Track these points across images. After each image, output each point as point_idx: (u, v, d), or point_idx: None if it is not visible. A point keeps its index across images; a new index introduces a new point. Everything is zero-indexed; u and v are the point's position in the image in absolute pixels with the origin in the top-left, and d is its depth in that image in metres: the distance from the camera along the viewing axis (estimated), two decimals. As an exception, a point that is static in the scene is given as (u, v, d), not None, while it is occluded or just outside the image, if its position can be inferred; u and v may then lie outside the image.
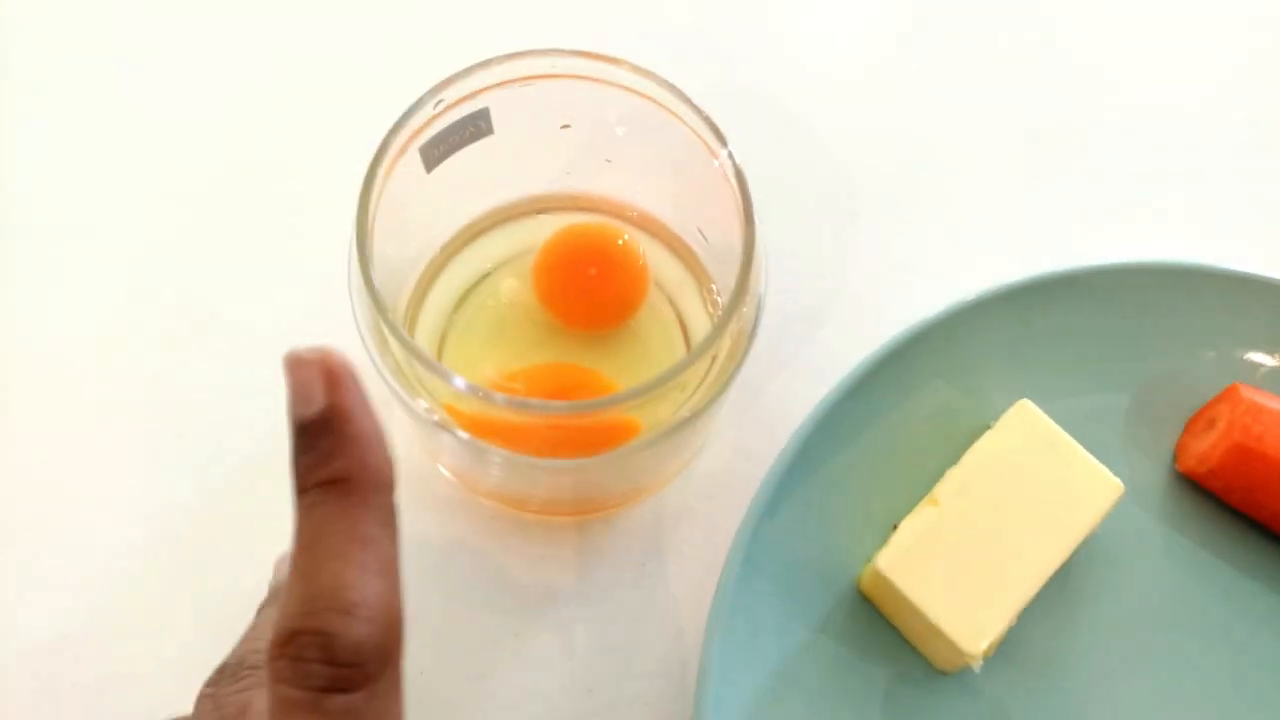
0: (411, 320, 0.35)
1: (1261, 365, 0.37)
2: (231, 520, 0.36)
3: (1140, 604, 0.35)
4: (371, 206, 0.27)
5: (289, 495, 0.21)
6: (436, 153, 0.31)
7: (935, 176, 0.43)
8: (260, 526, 0.30)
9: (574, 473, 0.31)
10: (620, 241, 0.36)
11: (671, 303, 0.36)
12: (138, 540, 0.35)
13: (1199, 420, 0.36)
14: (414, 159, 0.30)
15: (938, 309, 0.36)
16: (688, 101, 0.28)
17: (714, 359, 0.30)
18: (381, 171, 0.27)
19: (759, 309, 0.29)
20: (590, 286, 0.36)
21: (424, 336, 0.35)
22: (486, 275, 0.36)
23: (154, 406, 0.37)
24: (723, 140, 0.28)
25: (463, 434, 0.28)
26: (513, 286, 0.36)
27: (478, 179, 0.33)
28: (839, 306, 0.40)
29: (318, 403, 0.20)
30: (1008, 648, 0.34)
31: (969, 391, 0.36)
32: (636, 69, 0.29)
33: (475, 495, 0.35)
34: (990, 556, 0.32)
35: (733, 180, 0.28)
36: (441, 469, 0.35)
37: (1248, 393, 0.35)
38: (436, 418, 0.29)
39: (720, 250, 0.33)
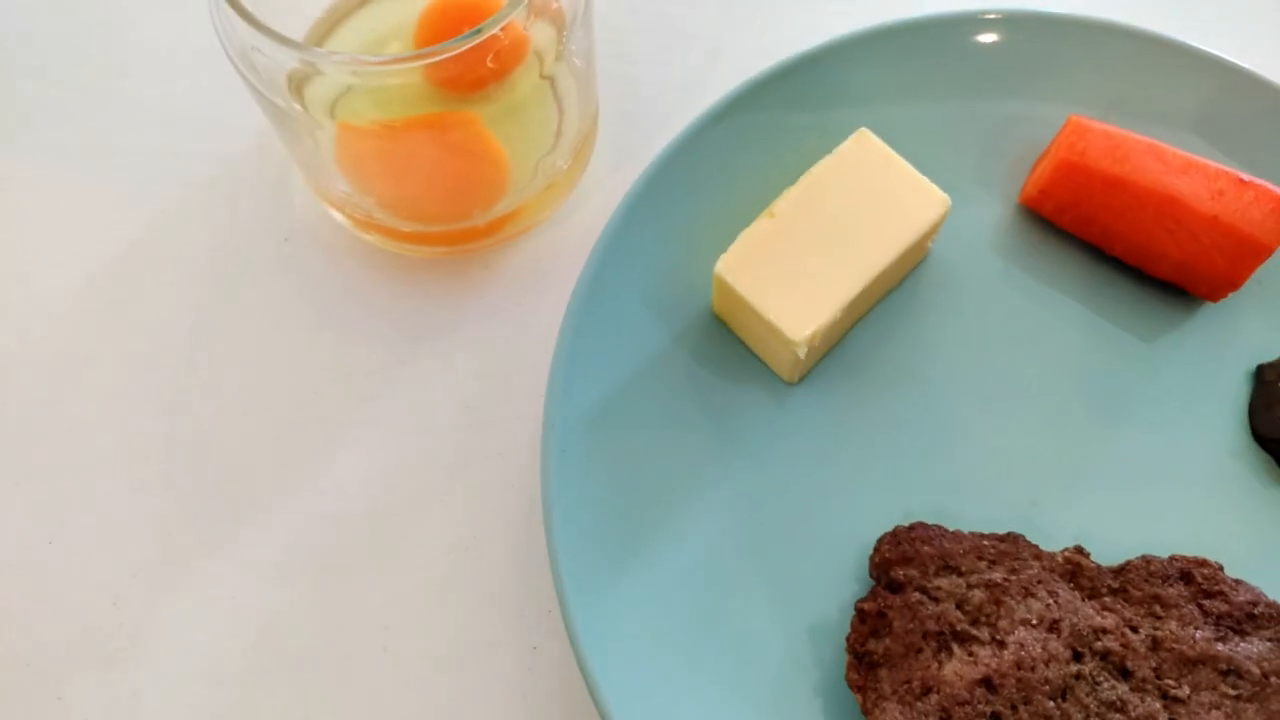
0: (298, 91, 0.38)
1: (1105, 106, 0.39)
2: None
3: (976, 323, 0.37)
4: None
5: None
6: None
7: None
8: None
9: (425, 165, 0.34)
10: (494, 8, 0.39)
11: (540, 61, 0.39)
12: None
13: (1042, 157, 0.39)
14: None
15: (793, 52, 0.38)
16: None
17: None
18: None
19: (582, 5, 0.33)
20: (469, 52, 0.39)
21: (313, 99, 0.38)
22: (374, 43, 0.39)
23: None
24: None
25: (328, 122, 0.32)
26: (396, 51, 0.39)
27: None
28: (716, 73, 0.43)
29: None
30: (848, 362, 0.37)
31: (820, 129, 0.39)
32: None
33: (365, 234, 0.38)
34: (820, 260, 0.35)
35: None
36: (332, 212, 0.38)
37: (1079, 119, 0.37)
38: (301, 109, 0.32)
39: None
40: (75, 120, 0.41)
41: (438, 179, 0.37)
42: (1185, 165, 0.35)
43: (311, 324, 0.38)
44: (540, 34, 0.34)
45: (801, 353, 0.34)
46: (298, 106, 0.33)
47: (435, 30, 0.39)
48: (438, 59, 0.31)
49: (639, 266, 0.37)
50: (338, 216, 0.38)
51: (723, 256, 0.35)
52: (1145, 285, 0.38)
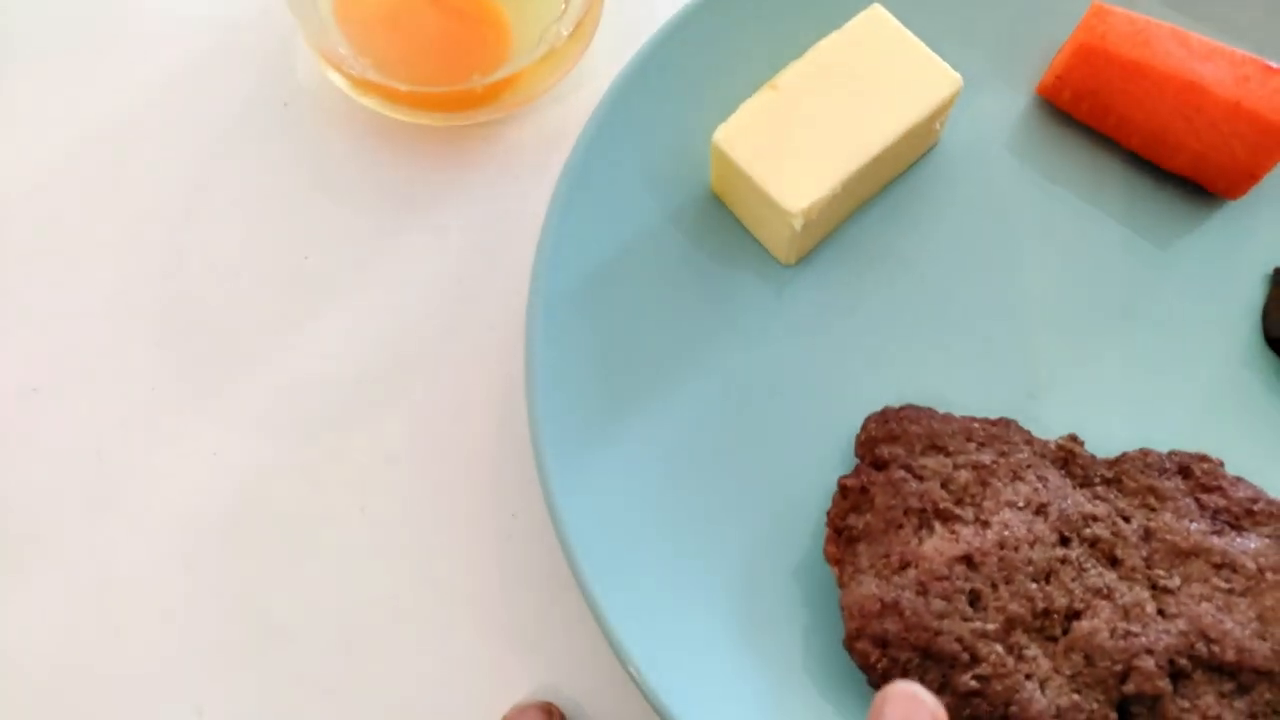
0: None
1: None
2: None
3: (983, 214, 0.36)
4: None
5: None
6: None
7: None
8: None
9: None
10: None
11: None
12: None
13: (1063, 49, 0.37)
14: None
15: (801, -70, 0.37)
16: None
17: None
18: None
19: None
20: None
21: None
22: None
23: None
24: None
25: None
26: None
27: None
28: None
29: None
30: (849, 245, 0.36)
31: (833, 5, 0.37)
32: None
33: (359, 96, 0.38)
34: (822, 134, 0.34)
35: None
36: (331, 75, 0.38)
37: (1101, 3, 0.36)
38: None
39: None
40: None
41: (436, 38, 0.36)
42: (1209, 51, 0.34)
43: (307, 189, 0.38)
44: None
45: (798, 225, 0.33)
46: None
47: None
48: None
49: (636, 140, 0.36)
50: (336, 79, 0.38)
51: (722, 126, 0.34)
52: (1162, 182, 0.36)
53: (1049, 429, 0.33)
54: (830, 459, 0.33)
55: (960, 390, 0.34)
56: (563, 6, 0.37)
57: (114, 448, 0.35)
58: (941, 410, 0.33)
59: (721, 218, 0.36)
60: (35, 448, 0.35)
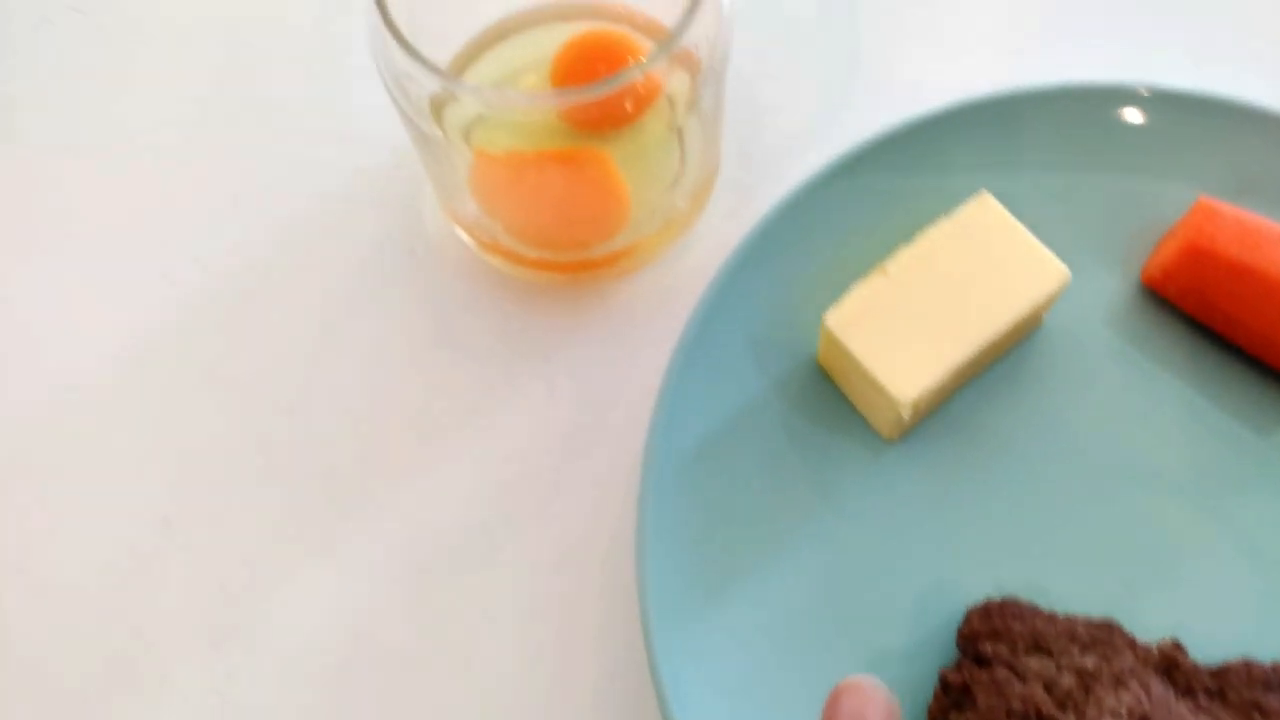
0: (437, 114, 0.40)
1: (1236, 189, 0.38)
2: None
3: (1085, 398, 0.37)
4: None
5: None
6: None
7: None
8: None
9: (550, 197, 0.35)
10: (632, 49, 0.40)
11: (672, 106, 0.40)
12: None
13: (1168, 236, 0.38)
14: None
15: (918, 112, 0.39)
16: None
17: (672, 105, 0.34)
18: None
19: (719, 57, 0.33)
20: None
21: (451, 124, 0.40)
22: (511, 75, 0.41)
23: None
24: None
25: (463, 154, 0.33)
26: (533, 84, 0.41)
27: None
28: (842, 120, 0.43)
29: None
30: (950, 423, 0.37)
31: (942, 191, 0.39)
32: None
33: (488, 256, 0.40)
34: (930, 321, 0.35)
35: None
36: (459, 232, 0.40)
37: (1209, 201, 0.36)
38: (441, 133, 0.33)
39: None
40: (216, 119, 0.44)
41: (563, 210, 0.38)
42: (1321, 258, 0.34)
43: (429, 337, 0.40)
44: (676, 82, 0.35)
45: (906, 414, 0.34)
46: (439, 131, 0.34)
47: (571, 67, 0.40)
48: (576, 101, 0.32)
49: (748, 312, 0.37)
50: (464, 236, 0.40)
51: (833, 309, 0.35)
52: (1269, 378, 0.36)
53: (1149, 626, 0.33)
54: (928, 644, 0.34)
55: (1059, 581, 0.34)
56: (677, 180, 0.39)
57: (237, 584, 0.37)
58: (1041, 600, 0.34)
59: (825, 389, 0.37)
60: (164, 580, 0.37)
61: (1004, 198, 0.37)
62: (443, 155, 0.36)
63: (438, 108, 0.35)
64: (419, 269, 0.41)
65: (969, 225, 0.36)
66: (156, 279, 0.41)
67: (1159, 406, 0.37)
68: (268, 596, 0.37)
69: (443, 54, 0.40)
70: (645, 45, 0.40)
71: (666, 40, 0.32)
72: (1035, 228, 0.36)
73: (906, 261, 0.36)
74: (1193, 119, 0.38)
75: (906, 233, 0.37)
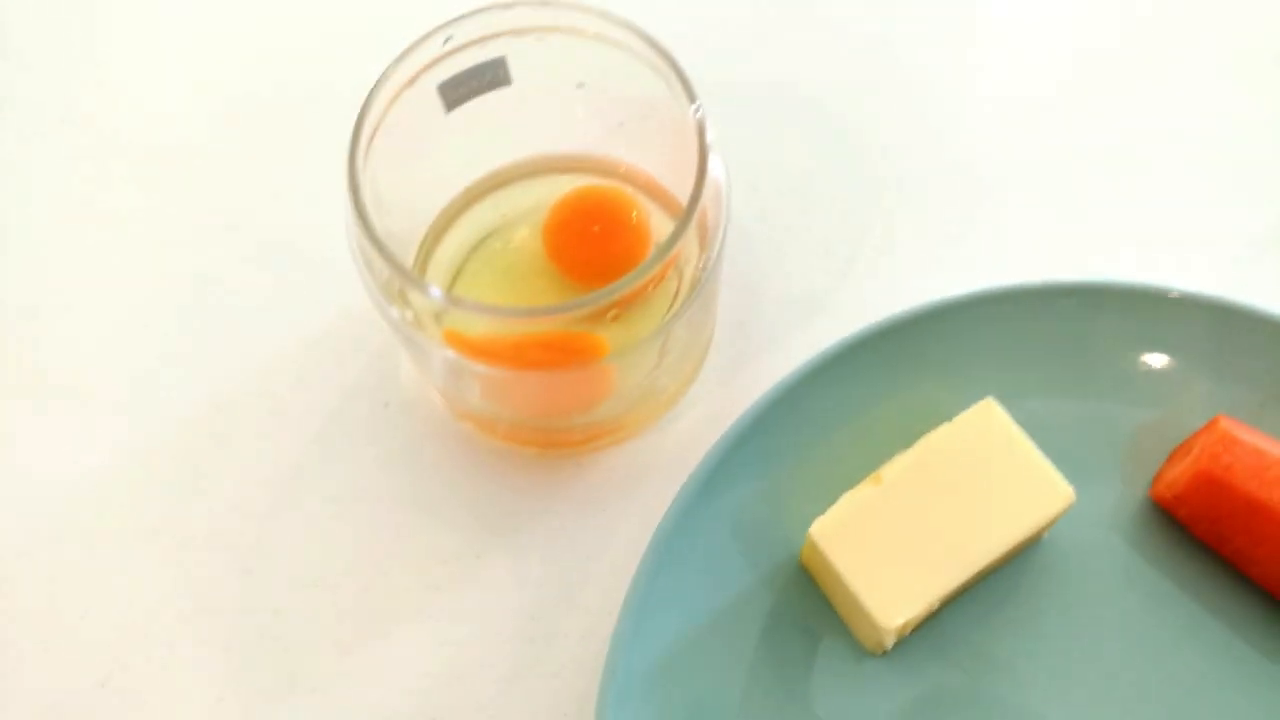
0: (425, 257, 0.38)
1: (1259, 402, 0.36)
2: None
3: (1085, 621, 0.35)
4: (369, 126, 0.30)
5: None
6: (455, 94, 0.34)
7: (959, 179, 0.43)
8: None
9: (526, 383, 0.33)
10: (626, 205, 0.38)
11: (679, 281, 0.38)
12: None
13: (1181, 450, 0.36)
14: (431, 95, 0.33)
15: (921, 303, 0.37)
16: (672, 64, 0.31)
17: (675, 296, 0.32)
18: (382, 97, 0.30)
19: (717, 250, 0.31)
20: (594, 244, 0.38)
21: (437, 273, 0.38)
22: (504, 225, 0.39)
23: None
24: (691, 97, 0.30)
25: (430, 341, 0.31)
26: (524, 237, 0.39)
27: (498, 129, 0.36)
28: (843, 293, 0.41)
29: None
30: (939, 640, 0.34)
31: (945, 388, 0.37)
32: (642, 35, 0.31)
33: (460, 421, 0.38)
34: (923, 540, 0.33)
35: (694, 134, 0.30)
36: (432, 395, 0.38)
37: (1227, 424, 0.34)
38: (411, 324, 0.31)
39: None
40: (193, 255, 0.42)
41: (539, 376, 0.36)
42: (1344, 502, 0.32)
43: (393, 499, 0.38)
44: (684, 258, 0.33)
45: (889, 641, 0.32)
46: (404, 314, 0.32)
47: (566, 223, 0.38)
48: (578, 311, 0.30)
49: (729, 509, 0.35)
50: (436, 398, 0.38)
51: (820, 519, 0.33)
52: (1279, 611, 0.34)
53: None
54: None
55: (1047, 828, 0.32)
56: (661, 350, 0.37)
57: (170, 758, 0.35)
58: None
59: (807, 591, 0.35)
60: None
61: (1010, 398, 0.35)
62: (417, 349, 0.34)
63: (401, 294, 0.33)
64: (390, 424, 0.39)
65: (971, 434, 0.34)
66: (114, 418, 0.39)
67: (1164, 630, 0.34)
68: (199, 778, 0.34)
69: (437, 200, 0.38)
70: (641, 202, 0.38)
71: (685, 215, 0.30)
72: (1040, 431, 0.34)
73: (902, 470, 0.34)
74: (1215, 325, 0.36)
75: (906, 431, 0.35)
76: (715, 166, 0.31)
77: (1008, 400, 0.35)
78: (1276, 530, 0.32)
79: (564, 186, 0.39)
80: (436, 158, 0.36)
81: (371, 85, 0.30)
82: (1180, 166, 0.43)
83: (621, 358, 0.33)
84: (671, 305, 0.34)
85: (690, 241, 0.32)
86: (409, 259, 0.37)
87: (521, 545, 0.37)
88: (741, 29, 0.46)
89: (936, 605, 0.33)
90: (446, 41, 0.31)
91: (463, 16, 0.31)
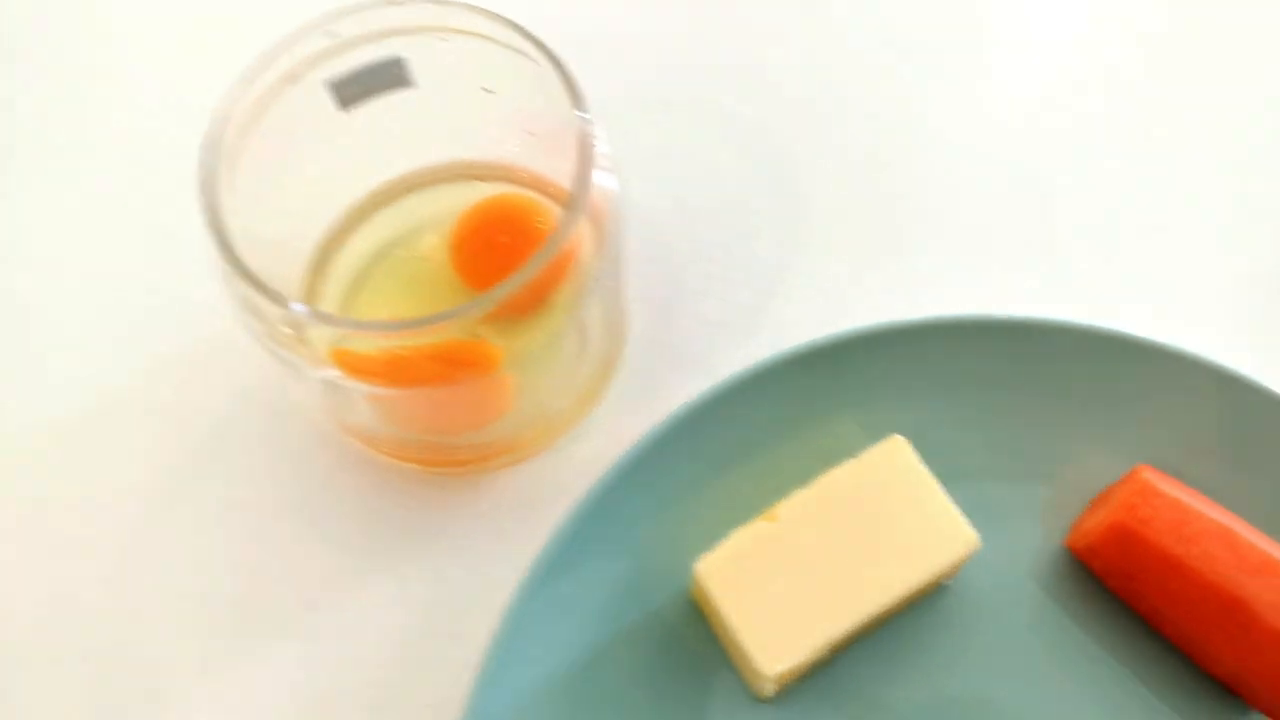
0: (322, 265, 0.37)
1: (1184, 452, 0.34)
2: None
3: (988, 672, 0.33)
4: (234, 120, 0.28)
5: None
6: (350, 93, 0.32)
7: (892, 204, 0.42)
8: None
9: (414, 399, 0.32)
10: (535, 215, 0.37)
11: (578, 280, 0.37)
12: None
13: (1100, 499, 0.34)
14: (319, 93, 0.31)
15: (834, 332, 0.35)
16: (560, 70, 0.29)
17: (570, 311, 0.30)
18: (251, 92, 0.29)
19: (612, 258, 0.30)
20: (501, 255, 0.37)
21: (335, 283, 0.37)
22: (410, 233, 0.37)
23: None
24: (577, 105, 0.29)
25: (299, 358, 0.30)
26: (432, 245, 0.37)
27: (403, 132, 0.35)
28: (766, 317, 0.39)
29: None
30: (834, 687, 0.32)
31: (858, 423, 0.35)
32: (534, 40, 0.30)
33: (344, 435, 0.36)
34: (815, 582, 0.31)
35: (578, 139, 0.28)
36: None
37: (1148, 475, 0.32)
38: (275, 339, 0.30)
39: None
40: (85, 249, 0.41)
41: (431, 408, 0.34)
42: (1262, 563, 0.30)
43: (278, 508, 0.36)
44: (583, 255, 0.32)
45: (770, 689, 0.30)
46: (295, 353, 0.30)
47: (473, 229, 0.37)
48: (462, 316, 0.28)
49: (618, 540, 0.33)
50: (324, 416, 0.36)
51: (707, 556, 0.31)
52: (1200, 673, 0.32)
53: None
54: None
55: None
56: (574, 373, 0.35)
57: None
58: None
59: (699, 631, 0.33)
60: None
61: (926, 437, 0.33)
62: (296, 372, 0.32)
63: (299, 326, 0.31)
64: (280, 431, 0.37)
65: (875, 473, 0.32)
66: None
67: (1069, 687, 0.32)
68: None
69: (338, 204, 0.37)
70: (553, 213, 0.37)
71: (563, 221, 0.28)
72: (956, 473, 0.33)
73: (799, 507, 0.32)
74: (1143, 369, 0.35)
75: (812, 467, 0.33)
76: (605, 176, 0.29)
77: (925, 439, 0.33)
78: (1192, 590, 0.30)
79: (474, 194, 0.37)
80: (334, 159, 0.35)
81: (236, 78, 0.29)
82: (1111, 205, 0.42)
83: (514, 368, 0.32)
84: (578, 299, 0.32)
85: (588, 249, 0.31)
86: (300, 268, 0.35)
87: (408, 567, 0.35)
88: (678, 47, 0.45)
89: (826, 652, 0.31)
90: (329, 36, 0.30)
91: (345, 12, 0.29)
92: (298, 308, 0.28)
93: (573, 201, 0.28)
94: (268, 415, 0.37)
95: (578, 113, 0.29)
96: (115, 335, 0.39)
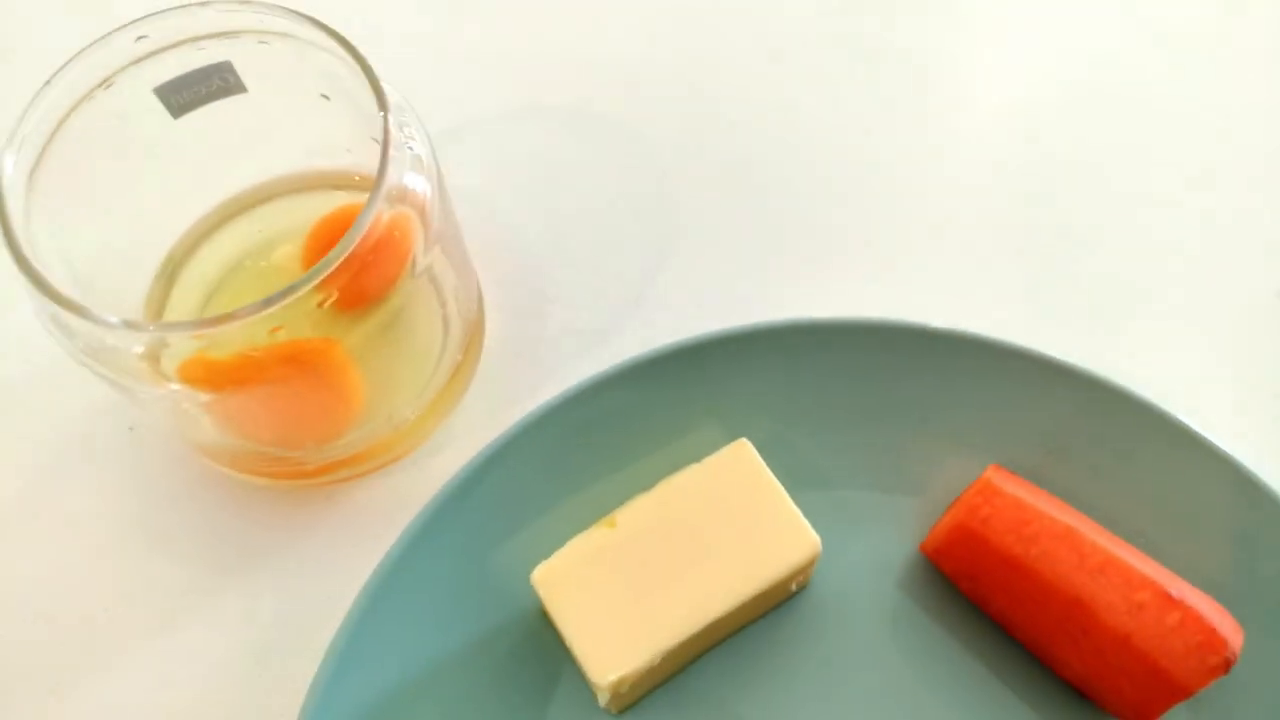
0: (172, 275, 0.36)
1: (1043, 454, 0.34)
2: None
3: (843, 679, 0.32)
4: (31, 127, 0.28)
5: None
6: (181, 99, 0.32)
7: (759, 210, 0.41)
8: None
9: (254, 403, 0.31)
10: (388, 225, 0.36)
11: (433, 281, 0.36)
12: None
13: (956, 502, 0.33)
14: (147, 99, 0.31)
15: (684, 337, 0.34)
16: (361, 64, 0.29)
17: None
18: (59, 95, 0.28)
19: (433, 242, 0.31)
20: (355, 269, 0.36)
21: (187, 294, 0.36)
22: (265, 243, 0.37)
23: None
24: (381, 103, 0.28)
25: (132, 382, 0.29)
26: (287, 254, 0.37)
27: (246, 141, 0.35)
28: (630, 325, 0.39)
29: None
30: (683, 696, 0.32)
31: (711, 428, 0.34)
32: (334, 35, 0.29)
33: (195, 453, 0.36)
34: (654, 589, 0.30)
35: (379, 138, 0.28)
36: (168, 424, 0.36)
37: (994, 475, 0.32)
38: (97, 361, 0.29)
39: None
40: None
41: (277, 415, 0.34)
42: (1104, 563, 0.29)
43: (127, 526, 0.35)
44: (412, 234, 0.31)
45: (604, 699, 0.29)
46: (138, 380, 0.29)
47: (328, 237, 0.36)
48: (293, 296, 0.27)
49: (467, 544, 0.32)
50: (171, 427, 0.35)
51: (543, 564, 0.30)
52: (1056, 683, 0.31)
53: None
54: None
55: None
56: (425, 381, 0.35)
57: None
58: None
59: (548, 642, 0.32)
60: None
61: (779, 443, 0.33)
62: (136, 396, 0.31)
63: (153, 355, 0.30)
64: (131, 448, 0.36)
65: (719, 476, 0.32)
66: None
67: (924, 692, 0.32)
68: None
69: (186, 214, 0.36)
70: (412, 219, 0.36)
71: (377, 180, 0.28)
72: (812, 479, 0.32)
73: (639, 513, 0.31)
74: (999, 369, 0.34)
75: (664, 472, 0.33)
76: (416, 179, 0.29)
77: (780, 445, 0.33)
78: (1035, 591, 0.30)
79: (329, 204, 0.37)
80: (176, 169, 0.34)
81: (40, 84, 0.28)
82: (967, 205, 0.41)
83: (355, 359, 0.31)
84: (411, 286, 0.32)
85: (418, 245, 0.31)
86: (146, 281, 0.35)
87: (257, 583, 0.35)
88: (544, 51, 0.44)
89: (668, 660, 0.30)
90: (139, 39, 0.29)
91: (151, 15, 0.29)
92: (108, 318, 0.27)
93: (374, 193, 0.28)
94: (120, 432, 0.37)
95: (380, 112, 0.28)
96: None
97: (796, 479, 0.32)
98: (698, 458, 0.32)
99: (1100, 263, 0.40)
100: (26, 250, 0.27)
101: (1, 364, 0.38)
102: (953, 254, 0.40)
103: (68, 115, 0.29)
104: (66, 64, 0.28)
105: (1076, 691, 0.31)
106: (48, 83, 0.28)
